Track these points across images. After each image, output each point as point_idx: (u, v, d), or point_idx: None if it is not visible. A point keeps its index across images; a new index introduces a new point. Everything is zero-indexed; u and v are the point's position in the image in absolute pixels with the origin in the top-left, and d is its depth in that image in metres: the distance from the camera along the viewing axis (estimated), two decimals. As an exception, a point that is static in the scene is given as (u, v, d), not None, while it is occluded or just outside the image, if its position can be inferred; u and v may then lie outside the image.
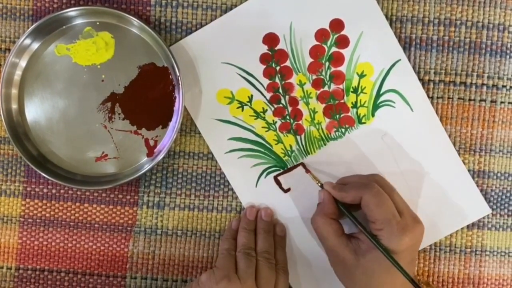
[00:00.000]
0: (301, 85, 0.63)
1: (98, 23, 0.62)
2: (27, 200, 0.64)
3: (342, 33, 0.62)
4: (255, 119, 0.63)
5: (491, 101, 0.64)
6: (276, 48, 0.63)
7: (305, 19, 0.62)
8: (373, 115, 0.63)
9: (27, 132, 0.62)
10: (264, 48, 0.63)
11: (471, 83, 0.64)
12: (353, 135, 0.63)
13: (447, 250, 0.64)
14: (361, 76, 0.63)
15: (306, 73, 0.63)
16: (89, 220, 0.64)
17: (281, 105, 0.63)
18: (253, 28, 0.62)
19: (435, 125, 0.63)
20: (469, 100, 0.64)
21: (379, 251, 0.55)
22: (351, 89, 0.63)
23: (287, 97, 0.63)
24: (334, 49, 0.63)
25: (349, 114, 0.63)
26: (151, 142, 0.63)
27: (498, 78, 0.64)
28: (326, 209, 0.59)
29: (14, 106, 0.62)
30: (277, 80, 0.63)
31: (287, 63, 0.63)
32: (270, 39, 0.63)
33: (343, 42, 0.63)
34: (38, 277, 0.64)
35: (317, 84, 0.63)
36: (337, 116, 0.63)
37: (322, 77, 0.63)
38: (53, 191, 0.64)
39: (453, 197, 0.63)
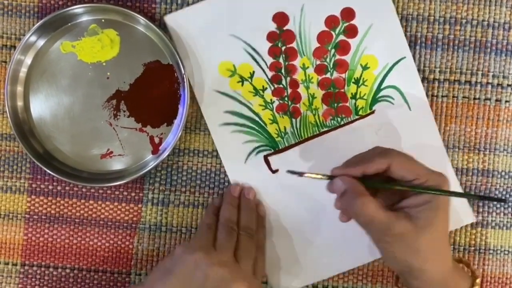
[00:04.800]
0: (304, 68, 0.63)
1: (103, 20, 0.62)
2: (33, 196, 0.64)
3: (352, 22, 0.62)
4: (253, 95, 0.63)
5: (496, 100, 0.64)
6: (284, 28, 0.62)
7: (318, 4, 0.62)
8: (370, 109, 0.63)
9: (33, 129, 0.63)
10: (273, 26, 0.62)
11: (476, 82, 0.64)
12: (348, 126, 0.63)
13: (450, 248, 0.64)
14: (365, 68, 0.63)
15: (311, 57, 0.63)
16: (94, 217, 0.64)
17: (281, 86, 0.63)
18: (265, 5, 0.62)
19: (430, 127, 0.63)
20: (474, 99, 0.64)
21: (433, 202, 0.52)
22: (353, 80, 0.63)
23: (288, 78, 0.63)
24: (341, 37, 0.62)
25: (347, 104, 0.63)
26: (156, 140, 0.63)
27: (503, 77, 0.64)
28: (357, 190, 0.53)
29: (20, 103, 0.62)
30: (281, 60, 0.63)
31: (293, 45, 0.62)
32: (280, 18, 0.62)
33: (352, 31, 0.62)
34: (43, 273, 0.65)
35: (320, 69, 0.63)
36: (335, 104, 0.63)
37: (326, 63, 0.63)
38: (58, 187, 0.64)
39: None
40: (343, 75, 0.63)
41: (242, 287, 0.53)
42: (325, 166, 0.60)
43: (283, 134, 0.63)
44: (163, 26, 0.63)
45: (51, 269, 0.65)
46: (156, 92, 0.62)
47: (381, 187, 0.55)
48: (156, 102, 0.62)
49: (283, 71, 0.63)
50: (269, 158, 0.63)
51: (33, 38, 0.61)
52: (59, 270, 0.65)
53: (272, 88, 0.63)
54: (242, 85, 0.63)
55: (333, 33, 0.62)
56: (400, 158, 0.54)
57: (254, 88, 0.63)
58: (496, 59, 0.63)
